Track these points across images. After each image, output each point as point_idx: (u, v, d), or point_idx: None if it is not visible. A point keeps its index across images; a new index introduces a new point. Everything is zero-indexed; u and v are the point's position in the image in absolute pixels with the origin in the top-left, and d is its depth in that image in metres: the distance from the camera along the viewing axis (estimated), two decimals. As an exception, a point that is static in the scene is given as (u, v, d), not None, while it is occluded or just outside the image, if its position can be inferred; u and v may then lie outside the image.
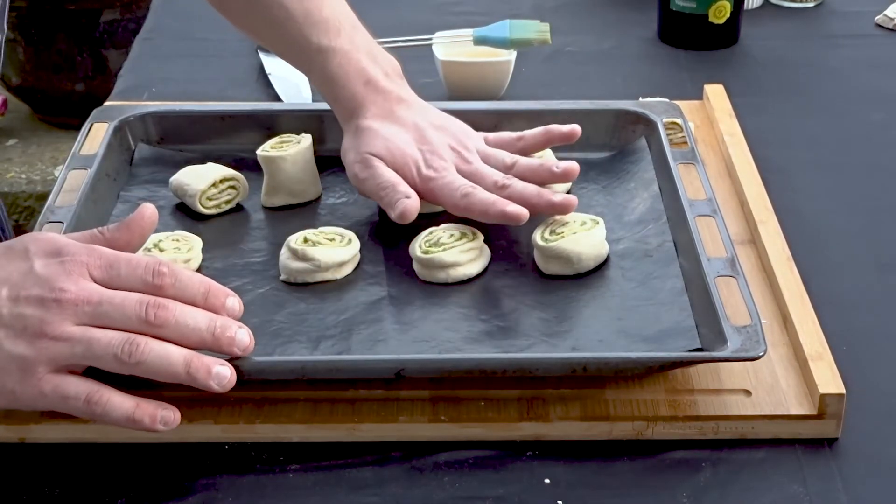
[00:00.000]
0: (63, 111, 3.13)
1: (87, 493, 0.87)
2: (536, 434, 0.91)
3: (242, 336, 0.88)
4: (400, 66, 1.14)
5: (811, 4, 1.64)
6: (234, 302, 0.89)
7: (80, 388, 0.82)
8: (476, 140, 1.12)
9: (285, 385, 0.94)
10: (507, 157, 1.10)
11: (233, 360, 0.88)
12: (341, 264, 1.04)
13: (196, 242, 1.06)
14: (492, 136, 1.14)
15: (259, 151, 1.14)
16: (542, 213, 1.06)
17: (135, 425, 0.83)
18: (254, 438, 0.91)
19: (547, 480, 0.88)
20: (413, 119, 1.10)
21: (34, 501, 0.87)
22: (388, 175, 1.06)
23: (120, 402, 0.83)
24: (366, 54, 1.11)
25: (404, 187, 1.05)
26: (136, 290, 0.84)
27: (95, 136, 1.18)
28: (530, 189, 1.06)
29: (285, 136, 1.17)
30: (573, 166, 1.09)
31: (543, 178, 1.09)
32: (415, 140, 1.08)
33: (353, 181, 1.10)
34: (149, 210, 0.92)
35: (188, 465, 0.89)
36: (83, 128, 1.20)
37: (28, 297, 0.81)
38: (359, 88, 1.10)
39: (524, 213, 1.03)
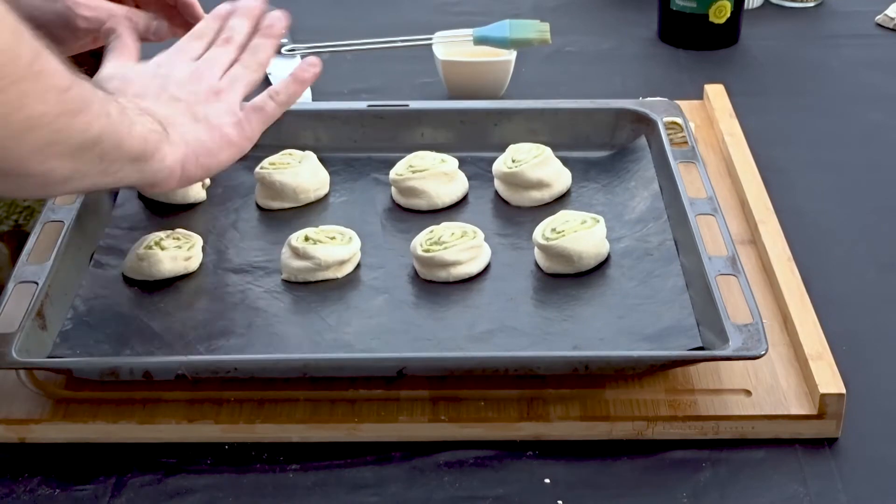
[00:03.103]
0: (63, 111, 3.12)
1: (87, 493, 0.87)
2: (536, 434, 0.91)
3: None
4: None
5: (811, 4, 1.64)
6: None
7: (260, 98, 0.99)
8: None
9: (285, 385, 0.94)
10: None
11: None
12: (342, 263, 1.04)
13: (197, 241, 1.07)
14: None
15: (258, 170, 1.14)
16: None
17: (304, 83, 1.03)
18: (254, 438, 0.91)
19: (547, 480, 0.88)
20: None
21: (34, 501, 0.87)
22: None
23: (283, 82, 1.01)
24: None
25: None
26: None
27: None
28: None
29: (286, 153, 1.16)
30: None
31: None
32: None
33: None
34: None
35: (188, 465, 0.89)
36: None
37: (190, 80, 0.98)
38: None
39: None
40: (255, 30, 1.05)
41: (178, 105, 0.95)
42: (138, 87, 0.96)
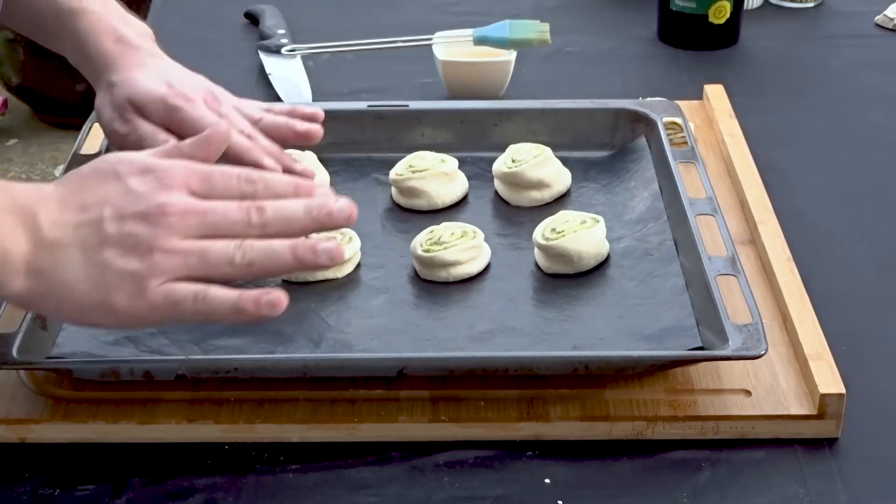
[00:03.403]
0: (63, 111, 3.13)
1: (88, 493, 0.87)
2: (536, 434, 0.91)
3: (342, 206, 0.85)
4: (153, 33, 1.11)
5: (811, 4, 1.64)
6: (325, 190, 0.88)
7: (188, 290, 0.81)
8: (227, 95, 1.09)
9: (285, 385, 0.94)
10: (256, 112, 1.08)
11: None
12: (342, 263, 1.04)
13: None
14: (243, 102, 1.10)
15: None
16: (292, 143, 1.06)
17: (240, 315, 0.82)
18: (254, 438, 0.91)
19: (547, 480, 0.88)
20: (164, 68, 1.07)
21: (34, 501, 0.87)
22: (147, 127, 1.03)
23: (225, 294, 0.82)
24: (117, 17, 1.09)
25: (164, 135, 1.01)
26: (232, 199, 0.84)
27: (95, 135, 1.18)
28: (273, 143, 1.04)
29: (286, 152, 1.16)
30: (316, 128, 1.06)
31: (286, 137, 1.06)
32: (165, 83, 1.04)
33: (113, 138, 1.05)
34: (224, 125, 0.91)
35: (188, 465, 0.89)
36: (83, 128, 1.20)
37: (134, 214, 0.81)
38: (109, 45, 1.07)
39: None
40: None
41: (89, 236, 0.80)
42: (82, 186, 0.83)
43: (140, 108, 1.03)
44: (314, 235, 0.84)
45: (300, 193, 0.86)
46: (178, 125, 1.02)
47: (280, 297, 0.82)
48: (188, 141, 0.89)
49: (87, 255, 0.79)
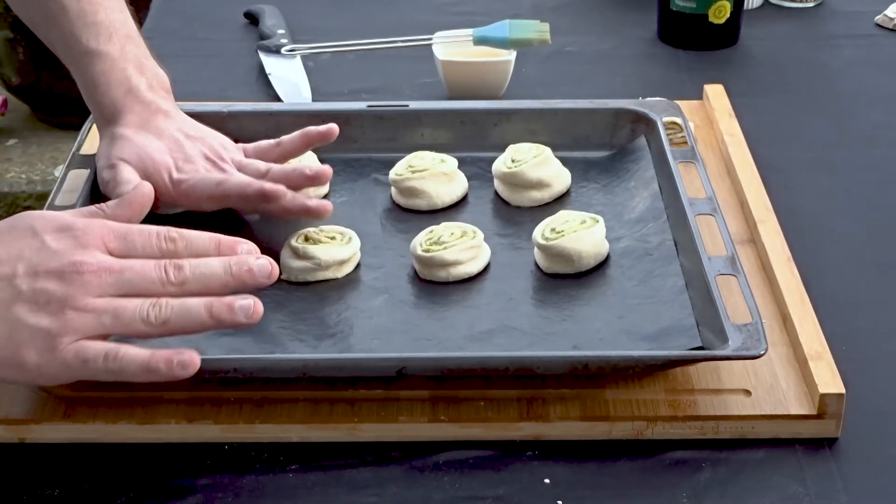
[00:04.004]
0: (63, 111, 3.12)
1: (87, 493, 0.87)
2: (536, 434, 0.91)
3: (262, 265, 0.86)
4: (169, 80, 1.12)
5: (811, 4, 1.64)
6: (248, 247, 0.88)
7: (98, 348, 0.82)
8: (233, 151, 1.10)
9: (285, 385, 0.94)
10: (262, 165, 1.09)
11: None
12: (342, 263, 1.04)
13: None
14: (251, 146, 1.12)
15: None
16: (300, 218, 1.06)
17: (152, 374, 0.82)
18: (254, 438, 0.91)
19: (547, 480, 0.88)
20: (169, 129, 1.08)
21: (34, 501, 0.87)
22: (130, 175, 1.04)
23: (136, 354, 0.82)
24: (133, 64, 1.09)
25: (145, 186, 1.00)
26: (152, 258, 0.85)
27: (95, 136, 1.18)
28: (283, 189, 1.05)
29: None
30: (326, 169, 1.08)
31: (299, 183, 1.07)
32: (169, 149, 1.06)
33: (101, 187, 1.07)
34: (146, 187, 0.93)
35: (188, 465, 0.89)
36: (83, 128, 1.20)
37: (48, 272, 0.81)
38: (119, 96, 1.08)
39: (281, 189, 1.03)
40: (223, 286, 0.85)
41: (1, 293, 0.80)
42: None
43: (139, 171, 1.05)
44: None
45: (222, 251, 0.87)
46: (182, 195, 1.05)
47: (192, 358, 0.82)
48: (110, 202, 0.91)
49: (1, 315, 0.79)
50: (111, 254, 0.84)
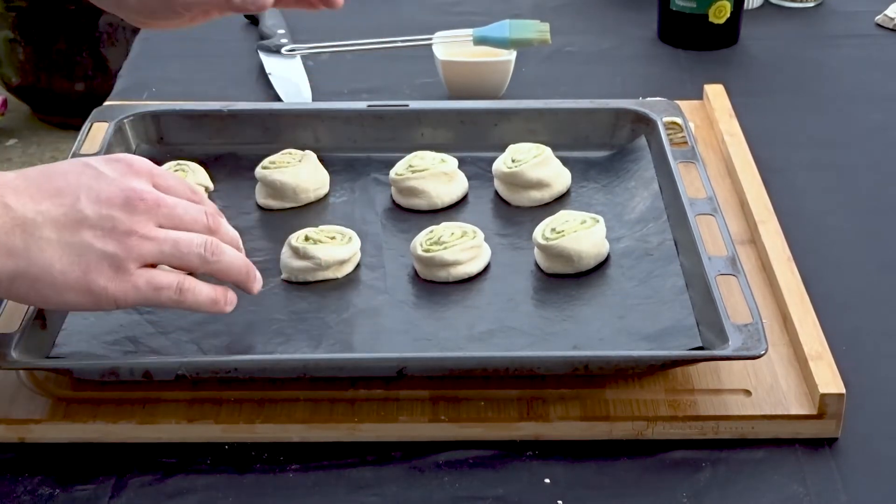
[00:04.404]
0: (63, 111, 3.13)
1: (87, 492, 0.87)
2: (536, 434, 0.91)
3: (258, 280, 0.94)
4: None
5: (811, 4, 1.64)
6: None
7: (171, 278, 0.86)
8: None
9: (285, 385, 0.94)
10: None
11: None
12: (342, 263, 1.04)
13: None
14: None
15: (259, 170, 1.14)
16: (318, 7, 1.05)
17: (215, 306, 0.89)
18: (254, 438, 0.91)
19: (547, 480, 0.88)
20: None
21: (34, 501, 0.87)
22: None
23: (204, 287, 0.88)
24: None
25: None
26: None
27: (95, 135, 1.18)
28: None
29: (286, 152, 1.16)
30: None
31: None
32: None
33: None
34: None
35: (188, 465, 0.89)
36: (83, 128, 1.20)
37: (110, 199, 0.83)
38: None
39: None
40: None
41: (65, 217, 0.80)
42: (50, 174, 0.83)
43: None
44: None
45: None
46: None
47: (235, 298, 0.91)
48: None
49: (62, 236, 0.80)
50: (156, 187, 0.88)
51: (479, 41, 1.39)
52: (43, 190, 0.82)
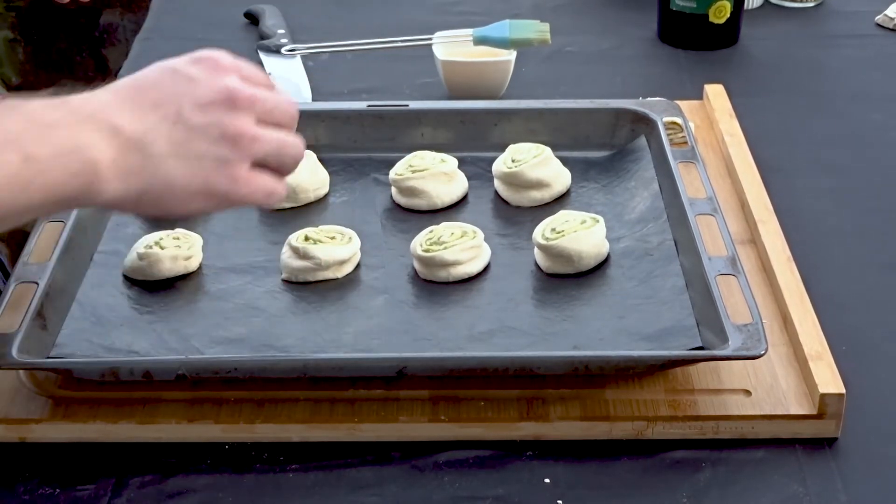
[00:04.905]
0: (63, 111, 3.12)
1: (87, 492, 0.87)
2: (536, 434, 0.91)
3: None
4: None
5: (811, 4, 1.64)
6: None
7: (274, 180, 0.83)
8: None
9: (285, 385, 0.94)
10: None
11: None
12: (342, 262, 1.04)
13: (197, 240, 1.07)
14: None
15: None
16: None
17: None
18: (254, 438, 0.91)
19: (547, 480, 0.88)
20: None
21: (34, 501, 0.87)
22: None
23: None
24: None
25: None
26: None
27: (95, 135, 1.18)
28: None
29: None
30: None
31: None
32: None
33: None
34: None
35: (188, 465, 0.89)
36: (83, 127, 1.20)
37: (210, 103, 0.81)
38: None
39: None
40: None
41: (173, 129, 0.79)
42: (141, 86, 0.81)
43: None
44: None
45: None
46: None
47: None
48: None
49: (176, 147, 0.79)
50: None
51: (479, 41, 1.39)
52: (142, 105, 0.80)
